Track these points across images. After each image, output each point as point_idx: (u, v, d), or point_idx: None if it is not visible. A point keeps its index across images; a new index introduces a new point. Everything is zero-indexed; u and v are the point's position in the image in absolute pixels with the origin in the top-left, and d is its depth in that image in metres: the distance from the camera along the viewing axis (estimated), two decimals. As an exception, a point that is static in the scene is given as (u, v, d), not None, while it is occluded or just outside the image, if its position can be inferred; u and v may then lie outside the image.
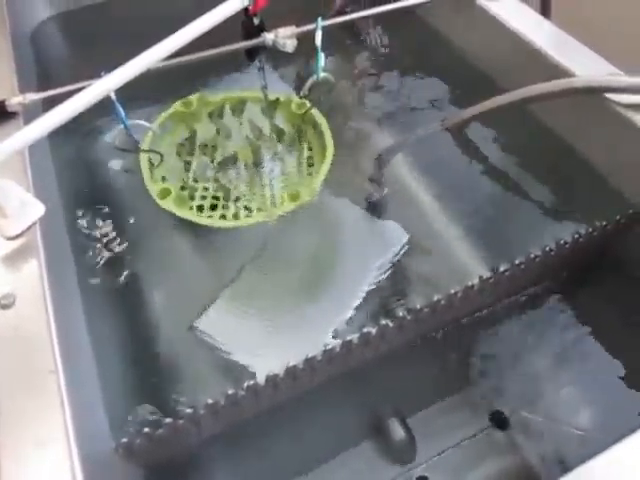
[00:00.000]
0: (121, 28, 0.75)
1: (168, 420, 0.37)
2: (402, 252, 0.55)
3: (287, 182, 0.59)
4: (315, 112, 0.62)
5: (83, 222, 0.56)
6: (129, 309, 0.52)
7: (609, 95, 0.49)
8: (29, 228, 0.38)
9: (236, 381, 0.46)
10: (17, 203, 0.38)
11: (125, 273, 0.54)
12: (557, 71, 0.54)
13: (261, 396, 0.41)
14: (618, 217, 0.48)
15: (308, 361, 0.41)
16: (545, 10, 0.68)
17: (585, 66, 0.53)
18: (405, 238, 0.56)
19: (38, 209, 0.38)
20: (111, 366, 0.45)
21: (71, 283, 0.45)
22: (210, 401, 0.38)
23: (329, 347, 0.41)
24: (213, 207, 0.57)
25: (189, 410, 0.38)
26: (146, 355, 0.49)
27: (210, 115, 0.65)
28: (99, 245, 0.55)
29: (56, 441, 0.32)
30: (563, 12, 0.67)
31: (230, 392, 0.38)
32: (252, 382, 0.39)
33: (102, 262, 0.54)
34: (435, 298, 0.44)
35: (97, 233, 0.56)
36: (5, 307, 0.37)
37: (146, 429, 0.37)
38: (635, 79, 0.47)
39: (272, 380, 0.40)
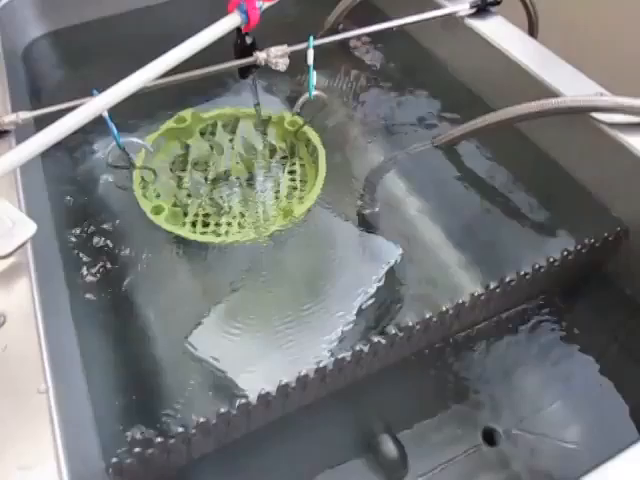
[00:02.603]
0: (114, 46, 0.75)
1: (159, 439, 0.37)
2: (394, 268, 0.56)
3: (280, 199, 0.59)
4: (308, 129, 0.62)
5: (75, 240, 0.56)
6: (121, 327, 0.51)
7: (595, 114, 0.50)
8: (20, 247, 0.38)
9: (228, 399, 0.45)
10: (8, 222, 0.38)
11: (117, 291, 0.53)
12: (544, 90, 0.55)
13: (253, 414, 0.41)
14: (606, 234, 0.49)
15: (300, 379, 0.41)
16: (532, 30, 0.69)
17: (571, 85, 0.54)
18: (397, 254, 0.56)
19: (30, 228, 0.38)
20: (102, 385, 0.45)
21: (63, 302, 0.45)
22: (202, 420, 0.38)
23: (321, 365, 0.42)
24: (206, 224, 0.57)
25: (180, 429, 0.38)
26: (137, 373, 0.49)
27: (203, 132, 0.65)
28: (91, 263, 0.55)
29: (45, 463, 0.31)
30: (550, 32, 0.68)
31: (222, 411, 0.38)
32: (244, 401, 0.39)
33: (94, 280, 0.54)
34: (427, 315, 0.44)
35: (89, 251, 0.56)
36: (-5, 326, 0.36)
37: (137, 449, 0.36)
38: (619, 99, 0.48)
39: (264, 398, 0.40)
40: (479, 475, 0.48)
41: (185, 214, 0.57)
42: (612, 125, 0.50)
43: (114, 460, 0.35)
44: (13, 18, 0.73)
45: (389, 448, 0.49)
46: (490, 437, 0.50)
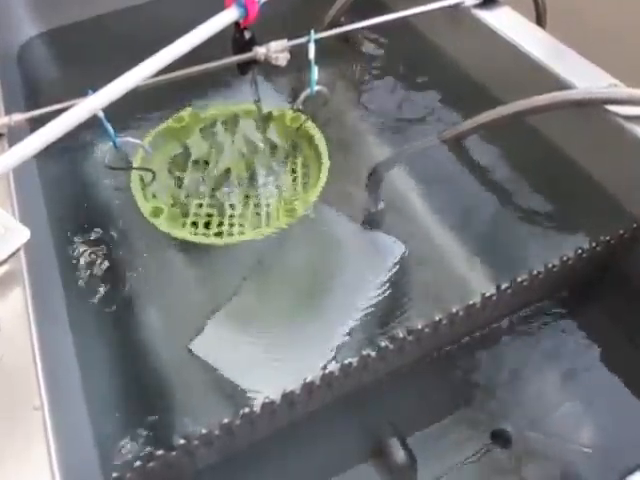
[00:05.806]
0: (109, 45, 0.74)
1: (160, 452, 0.36)
2: (400, 268, 0.54)
3: (282, 197, 0.57)
4: (310, 125, 0.60)
5: (72, 245, 0.55)
6: (120, 336, 0.50)
7: (609, 107, 0.49)
8: (13, 255, 0.37)
9: (231, 407, 0.44)
10: (0, 228, 0.37)
11: (116, 297, 0.52)
12: (555, 82, 0.54)
13: (257, 424, 0.40)
14: (621, 231, 0.47)
15: (305, 386, 0.40)
16: (540, 20, 0.67)
17: (582, 76, 0.53)
18: (403, 253, 0.55)
19: (23, 234, 0.37)
20: (101, 396, 0.44)
21: (58, 311, 0.44)
22: (204, 431, 0.37)
23: (327, 371, 0.40)
24: (207, 224, 0.55)
25: (182, 441, 0.36)
26: (137, 384, 0.48)
27: (202, 130, 0.64)
28: (89, 269, 0.54)
29: (41, 481, 0.30)
30: (558, 21, 0.66)
31: (225, 421, 0.37)
32: (247, 410, 0.38)
33: (91, 287, 0.53)
34: (436, 317, 0.43)
35: (87, 256, 0.55)
36: (-12, 338, 0.35)
37: (137, 462, 0.35)
38: (635, 91, 0.46)
39: (268, 407, 0.39)
40: (490, 478, 0.47)
41: (185, 215, 0.56)
42: (627, 118, 0.48)
43: (114, 475, 0.34)
44: (7, 17, 0.72)
45: (398, 453, 0.48)
46: (501, 439, 0.49)
